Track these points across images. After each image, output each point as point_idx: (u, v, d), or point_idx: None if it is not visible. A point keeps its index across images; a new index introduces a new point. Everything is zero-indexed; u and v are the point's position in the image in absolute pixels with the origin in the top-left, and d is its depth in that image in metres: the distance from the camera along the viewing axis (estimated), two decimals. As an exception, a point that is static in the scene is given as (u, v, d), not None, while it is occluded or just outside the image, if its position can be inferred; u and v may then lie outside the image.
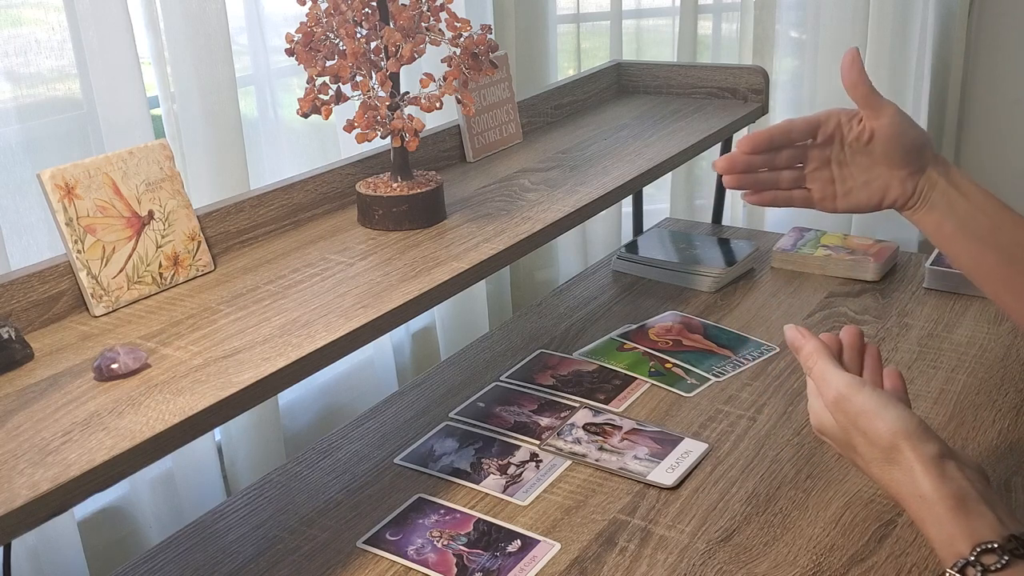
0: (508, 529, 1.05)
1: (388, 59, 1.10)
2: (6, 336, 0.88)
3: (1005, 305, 0.92)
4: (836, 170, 0.94)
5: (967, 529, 0.72)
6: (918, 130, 0.92)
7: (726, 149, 1.88)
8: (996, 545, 0.70)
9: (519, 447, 1.20)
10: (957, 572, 0.71)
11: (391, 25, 1.09)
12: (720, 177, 1.90)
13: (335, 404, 1.75)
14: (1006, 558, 0.69)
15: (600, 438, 1.20)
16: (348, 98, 1.13)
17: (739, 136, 2.29)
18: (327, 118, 1.12)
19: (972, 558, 0.70)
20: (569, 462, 1.16)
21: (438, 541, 1.04)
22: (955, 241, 0.91)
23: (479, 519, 1.07)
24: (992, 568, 0.69)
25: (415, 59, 1.10)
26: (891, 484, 0.79)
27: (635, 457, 1.16)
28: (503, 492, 1.11)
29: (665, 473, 1.13)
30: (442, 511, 1.09)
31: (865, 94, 0.90)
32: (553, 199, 1.27)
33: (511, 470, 1.15)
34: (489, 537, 1.04)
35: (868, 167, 0.93)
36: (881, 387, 0.85)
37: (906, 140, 0.91)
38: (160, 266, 1.05)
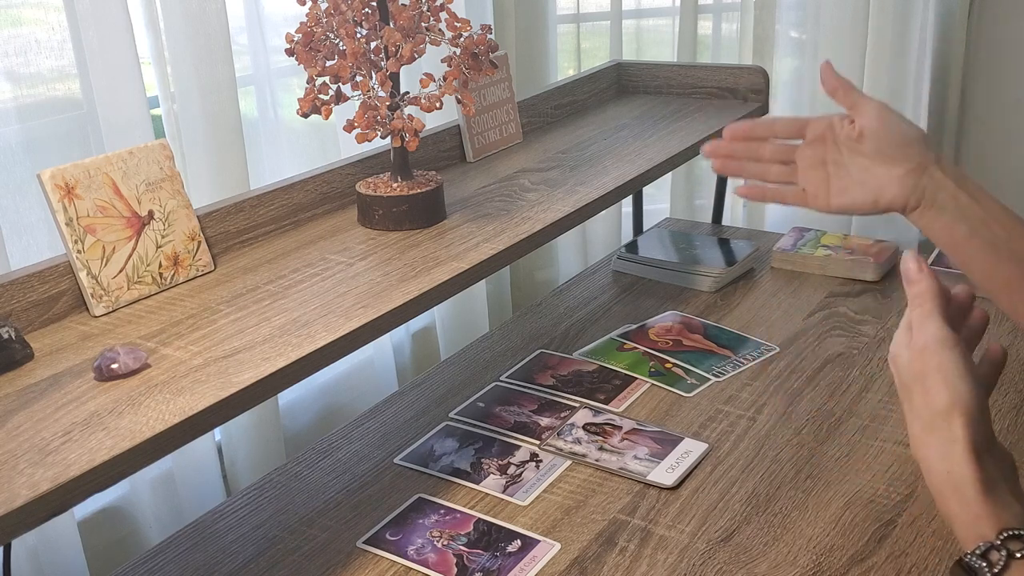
0: (508, 529, 1.05)
1: (388, 59, 1.10)
2: (6, 336, 0.88)
3: (1019, 316, 0.90)
4: (832, 169, 0.94)
5: (994, 513, 0.71)
6: (908, 124, 0.92)
7: (726, 149, 1.89)
8: (1022, 532, 0.69)
9: (519, 447, 1.20)
10: (979, 555, 0.70)
11: (391, 25, 1.09)
12: (720, 177, 1.92)
13: (335, 404, 1.75)
14: None
15: (600, 438, 1.20)
16: (348, 98, 1.14)
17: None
18: (327, 118, 1.12)
19: (998, 542, 0.69)
20: (569, 462, 1.16)
21: (438, 541, 1.04)
22: (968, 247, 0.89)
23: (479, 519, 1.07)
24: (1018, 554, 0.68)
25: (415, 59, 1.10)
26: (923, 448, 0.76)
27: (635, 457, 1.16)
28: (503, 492, 1.11)
29: (665, 473, 1.13)
30: (442, 511, 1.09)
31: (846, 93, 0.93)
32: (553, 199, 1.27)
33: (511, 470, 1.15)
34: (489, 537, 1.04)
35: (865, 167, 0.92)
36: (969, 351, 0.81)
37: (894, 133, 0.91)
38: (160, 266, 1.05)
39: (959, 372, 0.77)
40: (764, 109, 1.75)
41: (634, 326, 1.49)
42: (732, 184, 2.30)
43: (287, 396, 1.67)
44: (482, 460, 1.18)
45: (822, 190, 0.94)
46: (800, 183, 0.96)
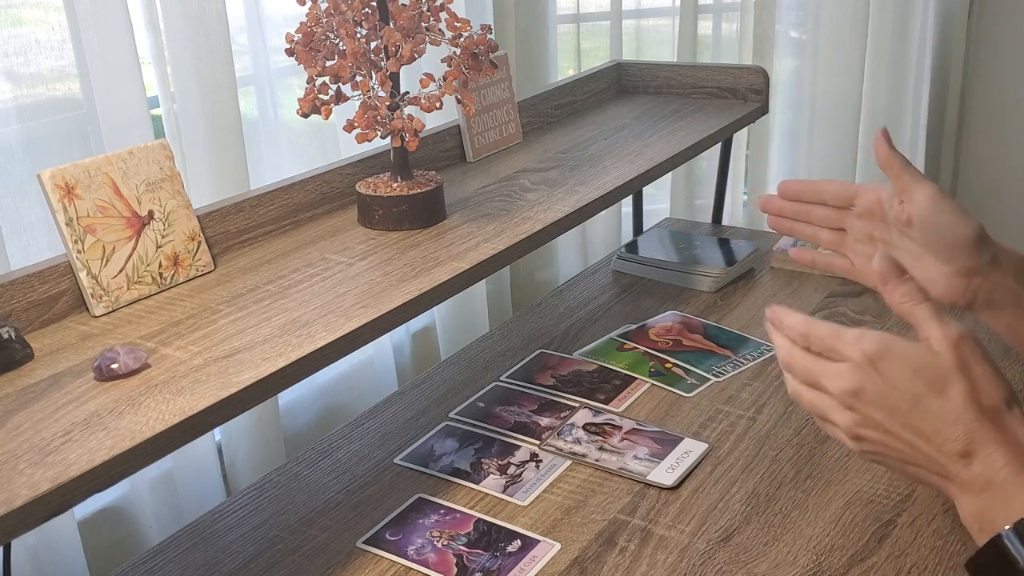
0: (508, 529, 1.05)
1: (388, 59, 1.10)
2: (6, 336, 0.88)
3: None
4: (881, 247, 0.89)
5: None
6: (961, 219, 0.83)
7: (726, 149, 1.89)
8: None
9: (519, 447, 1.20)
10: (1012, 530, 0.66)
11: (391, 25, 1.10)
12: (720, 177, 1.92)
13: (335, 404, 1.75)
14: None
15: (600, 438, 1.20)
16: (348, 98, 1.14)
17: (739, 136, 2.31)
18: (327, 118, 1.12)
19: None
20: (569, 462, 1.16)
21: (438, 541, 1.04)
22: None
23: (479, 519, 1.07)
24: None
25: (415, 59, 1.10)
26: (984, 435, 0.70)
27: (635, 457, 1.16)
28: (503, 492, 1.11)
29: (665, 473, 1.13)
30: (442, 511, 1.09)
31: (898, 171, 0.85)
32: (553, 199, 1.27)
33: (511, 470, 1.15)
34: (489, 537, 1.04)
35: (916, 254, 0.86)
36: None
37: (947, 231, 0.83)
38: (160, 266, 1.05)
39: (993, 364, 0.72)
40: (764, 109, 1.76)
41: (634, 326, 1.49)
42: (732, 184, 2.31)
43: (287, 396, 1.67)
44: (482, 460, 1.18)
45: (870, 267, 0.87)
46: (849, 255, 0.94)
